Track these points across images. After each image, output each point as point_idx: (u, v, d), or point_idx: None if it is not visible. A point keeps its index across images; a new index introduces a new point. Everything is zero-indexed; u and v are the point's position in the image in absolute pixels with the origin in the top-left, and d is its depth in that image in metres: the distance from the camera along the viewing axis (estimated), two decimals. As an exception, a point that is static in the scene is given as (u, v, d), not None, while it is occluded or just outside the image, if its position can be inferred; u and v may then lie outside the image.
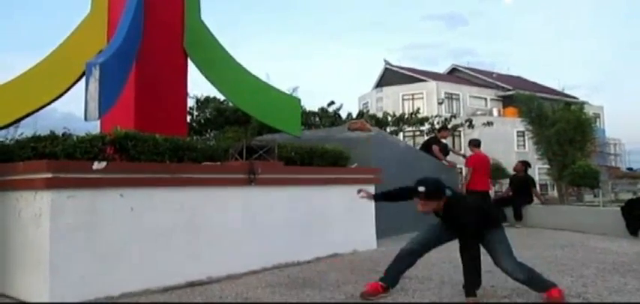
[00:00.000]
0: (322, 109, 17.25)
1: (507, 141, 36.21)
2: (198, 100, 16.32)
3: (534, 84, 43.51)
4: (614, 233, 8.30)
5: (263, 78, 8.20)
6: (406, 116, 19.68)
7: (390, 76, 43.74)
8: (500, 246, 4.14)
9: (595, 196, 12.72)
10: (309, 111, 16.24)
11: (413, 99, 39.16)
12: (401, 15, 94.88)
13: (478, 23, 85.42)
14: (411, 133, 24.00)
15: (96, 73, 4.99)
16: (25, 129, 6.14)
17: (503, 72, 47.60)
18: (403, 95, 40.19)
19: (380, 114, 20.11)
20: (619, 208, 8.77)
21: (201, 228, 5.02)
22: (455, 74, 47.48)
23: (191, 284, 4.72)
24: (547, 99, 20.81)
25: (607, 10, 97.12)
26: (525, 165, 11.05)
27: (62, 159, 4.25)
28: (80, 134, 4.58)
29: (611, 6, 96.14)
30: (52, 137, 4.46)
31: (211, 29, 7.37)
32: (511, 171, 12.11)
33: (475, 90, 43.54)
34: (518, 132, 35.62)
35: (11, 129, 6.97)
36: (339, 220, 6.41)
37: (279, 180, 5.81)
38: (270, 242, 5.57)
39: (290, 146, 6.37)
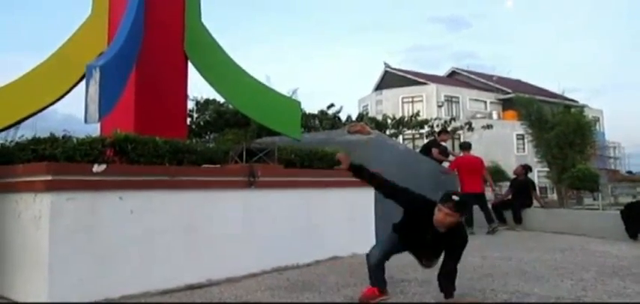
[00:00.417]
0: (322, 112, 17.22)
1: (507, 145, 36.27)
2: (198, 102, 16.30)
3: (534, 87, 43.53)
4: (614, 236, 8.30)
5: (263, 80, 8.22)
6: (406, 119, 19.67)
7: (390, 79, 43.80)
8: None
9: (594, 199, 12.72)
10: (309, 114, 16.22)
11: (412, 102, 39.22)
12: (402, 17, 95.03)
13: (480, 26, 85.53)
14: (411, 136, 23.99)
15: (96, 75, 4.99)
16: (25, 131, 6.14)
17: (504, 75, 47.68)
18: (403, 98, 40.25)
19: (379, 117, 20.08)
20: (619, 211, 8.78)
21: (200, 231, 5.02)
22: (455, 77, 47.53)
23: (190, 287, 4.72)
24: (547, 102, 20.81)
25: (607, 14, 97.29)
26: (526, 168, 11.06)
27: (62, 162, 4.25)
28: (80, 136, 4.57)
29: (611, 10, 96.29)
30: (52, 139, 4.45)
31: (211, 32, 7.38)
32: (510, 174, 12.12)
33: (475, 93, 43.62)
34: (517, 135, 35.61)
35: (11, 130, 6.97)
36: (338, 223, 6.41)
37: (278, 183, 5.81)
38: (270, 245, 5.57)
39: (290, 149, 6.37)
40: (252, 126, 13.23)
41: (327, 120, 16.59)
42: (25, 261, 4.25)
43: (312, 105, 26.11)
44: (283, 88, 12.55)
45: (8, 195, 4.46)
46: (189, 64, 7.14)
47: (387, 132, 17.66)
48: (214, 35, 7.40)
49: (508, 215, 10.47)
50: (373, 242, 6.85)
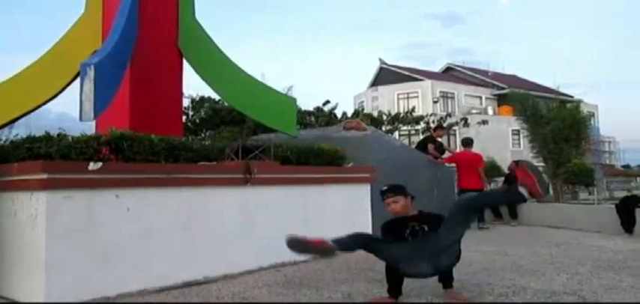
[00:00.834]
0: (318, 108, 17.24)
1: (502, 140, 36.39)
2: (193, 100, 16.28)
3: (529, 82, 43.66)
4: (609, 230, 8.34)
5: (258, 77, 8.21)
6: (401, 115, 19.69)
7: (386, 75, 43.85)
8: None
9: (590, 194, 12.78)
10: (305, 111, 16.23)
11: (408, 98, 39.25)
12: (398, 14, 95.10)
13: (476, 22, 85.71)
14: (407, 132, 24.02)
15: (91, 73, 4.97)
16: (19, 130, 6.13)
17: (499, 70, 47.75)
18: (398, 94, 40.28)
19: (375, 113, 20.09)
20: (614, 206, 8.82)
21: (197, 228, 5.02)
22: (450, 73, 47.61)
23: (188, 284, 4.72)
24: (542, 97, 20.87)
25: (602, 9, 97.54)
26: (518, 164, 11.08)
27: (57, 160, 4.24)
28: (75, 134, 4.56)
29: (606, 5, 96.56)
30: (47, 138, 4.44)
31: (206, 29, 7.37)
32: (506, 169, 12.15)
33: (470, 89, 43.69)
34: (513, 130, 35.78)
35: (5, 129, 6.95)
36: (335, 219, 6.41)
37: (275, 180, 5.81)
38: (267, 242, 5.56)
39: (286, 145, 6.37)
40: (247, 124, 13.22)
41: (323, 117, 16.60)
42: (21, 260, 4.24)
43: (307, 102, 26.12)
44: (279, 85, 12.48)
45: (4, 193, 4.44)
46: (184, 62, 7.12)
47: (383, 128, 17.67)
48: (209, 32, 7.38)
49: (504, 210, 10.50)
50: (370, 238, 6.89)
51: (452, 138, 30.38)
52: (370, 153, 8.69)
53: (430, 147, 10.61)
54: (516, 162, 11.17)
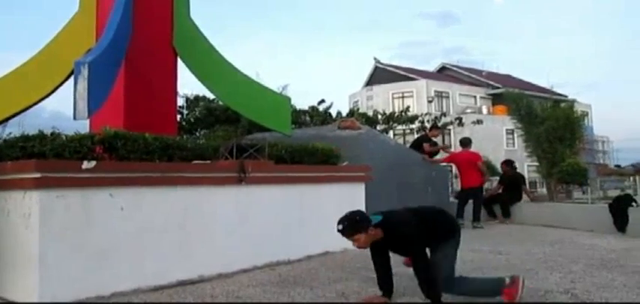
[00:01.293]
0: (313, 108, 17.25)
1: (497, 139, 36.50)
2: (187, 99, 16.26)
3: (523, 82, 43.81)
4: (602, 229, 8.38)
5: (253, 76, 8.21)
6: (396, 114, 19.73)
7: (380, 75, 43.89)
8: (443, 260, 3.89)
9: (583, 193, 12.83)
10: (300, 110, 16.24)
11: (403, 97, 39.31)
12: (392, 13, 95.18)
13: (470, 22, 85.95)
14: (402, 131, 24.06)
15: (85, 71, 4.96)
16: (13, 129, 6.10)
17: (493, 70, 47.88)
18: (393, 93, 40.33)
19: (370, 113, 20.13)
20: (607, 205, 8.86)
21: (191, 227, 5.01)
22: (445, 72, 47.69)
23: (182, 283, 4.71)
24: (536, 97, 20.96)
25: (597, 9, 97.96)
26: (509, 164, 11.20)
27: (51, 159, 4.22)
28: (69, 133, 4.55)
29: (601, 5, 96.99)
30: (41, 136, 4.42)
31: (201, 28, 7.36)
32: (500, 168, 12.20)
33: (465, 89, 43.79)
34: (507, 130, 35.88)
35: (-1, 128, 6.92)
36: (330, 218, 6.36)
37: (269, 179, 5.81)
38: (261, 241, 5.57)
39: (280, 145, 6.37)
40: (242, 123, 13.22)
41: (318, 116, 16.62)
42: (15, 259, 4.22)
43: (302, 101, 26.10)
44: (273, 85, 12.51)
45: (-3, 192, 4.42)
46: (179, 61, 7.10)
47: (378, 127, 17.71)
48: (204, 31, 7.37)
49: (498, 209, 10.54)
50: (364, 237, 6.90)
51: (447, 137, 30.42)
52: (365, 152, 8.70)
53: (426, 146, 10.64)
54: (507, 162, 11.28)
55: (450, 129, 25.93)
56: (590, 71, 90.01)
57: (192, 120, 15.92)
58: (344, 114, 17.85)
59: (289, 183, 6.05)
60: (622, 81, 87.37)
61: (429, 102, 39.01)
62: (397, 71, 43.74)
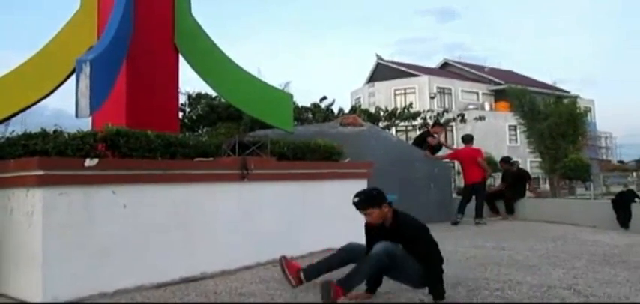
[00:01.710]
0: (315, 104, 17.24)
1: (499, 135, 36.45)
2: (190, 96, 16.25)
3: (526, 78, 43.72)
4: (605, 225, 8.38)
5: (255, 74, 8.20)
6: (398, 111, 19.71)
7: (383, 71, 43.84)
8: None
9: (586, 189, 12.81)
10: (302, 107, 16.22)
11: (405, 93, 39.29)
12: (394, 9, 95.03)
13: (471, 17, 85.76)
14: (404, 128, 24.04)
15: (87, 69, 4.96)
16: (15, 127, 6.10)
17: (495, 66, 47.79)
18: (395, 90, 40.30)
19: (372, 109, 20.11)
20: (610, 201, 8.85)
21: (194, 224, 5.02)
22: (447, 68, 47.62)
23: (185, 280, 4.72)
24: (539, 93, 20.89)
25: (600, 5, 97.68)
26: (507, 162, 11.24)
27: (54, 157, 4.23)
28: (71, 131, 4.55)
29: (604, 1, 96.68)
30: (43, 134, 4.43)
31: (202, 25, 7.35)
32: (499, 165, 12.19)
33: (467, 85, 43.73)
34: (510, 126, 35.81)
35: (1, 127, 6.92)
36: (332, 215, 6.42)
37: (271, 176, 5.81)
38: (264, 238, 5.57)
39: (282, 141, 6.37)
40: (244, 120, 13.21)
41: (320, 113, 16.61)
42: (18, 257, 4.23)
43: (304, 98, 26.10)
44: (275, 82, 12.53)
45: (0, 191, 4.43)
46: (181, 58, 7.10)
47: (380, 124, 17.70)
48: (205, 28, 7.37)
49: (501, 205, 10.54)
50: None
51: (449, 133, 30.40)
52: (367, 148, 8.71)
53: (430, 140, 10.64)
54: (504, 161, 11.32)
55: (452, 126, 25.87)
56: (593, 66, 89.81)
57: (194, 117, 15.92)
58: (346, 110, 17.83)
59: (291, 179, 6.05)
60: (625, 76, 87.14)
61: (432, 98, 38.97)
62: (399, 68, 43.68)
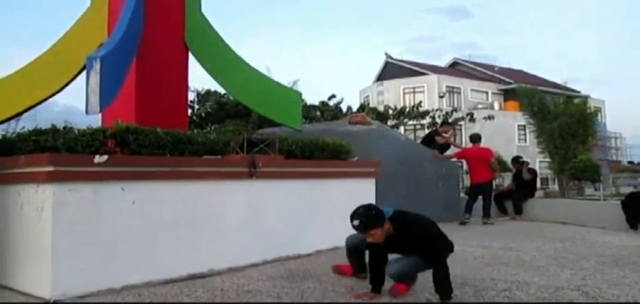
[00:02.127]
0: (323, 103, 17.24)
1: (508, 135, 36.26)
2: (198, 94, 16.32)
3: (536, 77, 43.46)
4: (615, 226, 8.31)
5: (263, 71, 8.22)
6: (407, 109, 19.66)
7: (391, 70, 43.75)
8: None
9: (596, 190, 12.75)
10: (310, 105, 16.23)
11: (414, 92, 39.19)
12: (404, 8, 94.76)
13: (481, 16, 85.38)
14: (412, 127, 23.99)
15: (97, 66, 4.99)
16: (26, 123, 6.15)
17: (505, 65, 47.54)
18: (404, 88, 40.21)
19: (381, 108, 20.08)
20: (619, 202, 8.79)
21: (202, 221, 5.04)
22: (456, 67, 47.44)
23: (192, 277, 4.75)
24: (549, 92, 20.79)
25: (610, 4, 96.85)
26: (517, 161, 11.18)
27: (64, 153, 4.26)
28: (81, 127, 4.59)
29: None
30: (54, 130, 4.46)
31: (212, 23, 7.37)
32: (511, 165, 12.13)
33: (476, 84, 43.56)
34: (519, 125, 35.63)
35: (12, 122, 6.99)
36: (339, 213, 6.37)
37: (279, 174, 5.82)
38: (271, 235, 5.59)
39: (291, 139, 6.38)
40: (252, 117, 13.25)
41: (329, 111, 16.61)
42: (28, 252, 4.28)
43: (313, 96, 26.10)
44: (284, 80, 12.57)
45: (10, 186, 4.48)
46: (190, 55, 7.13)
47: (389, 122, 17.67)
48: (215, 26, 7.39)
49: (509, 205, 10.49)
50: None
51: (458, 133, 30.30)
52: (375, 147, 8.69)
53: (439, 138, 10.61)
54: (516, 159, 11.27)
55: (461, 125, 25.79)
56: (604, 67, 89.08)
57: (203, 114, 15.97)
58: (354, 109, 17.81)
59: (299, 177, 6.06)
60: (636, 77, 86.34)
61: (441, 97, 38.85)
62: (408, 66, 43.56)
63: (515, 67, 48.95)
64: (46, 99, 6.59)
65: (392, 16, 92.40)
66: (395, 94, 38.03)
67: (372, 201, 6.77)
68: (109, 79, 5.18)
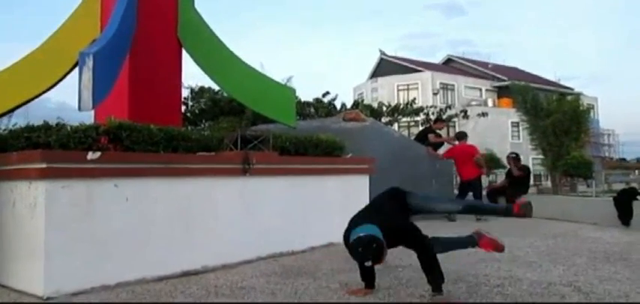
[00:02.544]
0: (317, 99, 17.26)
1: (502, 132, 36.39)
2: (192, 90, 16.30)
3: (530, 74, 43.59)
4: (607, 222, 8.37)
5: (257, 68, 8.20)
6: (401, 106, 19.70)
7: (386, 66, 43.78)
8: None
9: (588, 186, 12.83)
10: (304, 102, 16.25)
11: (408, 89, 39.22)
12: (398, 4, 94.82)
13: (476, 13, 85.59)
14: (406, 124, 24.02)
15: (89, 62, 4.96)
16: (18, 119, 6.13)
17: (499, 63, 47.70)
18: (398, 85, 40.24)
19: (375, 105, 20.11)
20: (612, 198, 8.85)
21: (196, 218, 5.04)
22: (450, 64, 47.54)
23: (186, 274, 4.74)
24: (542, 89, 20.88)
25: (605, 2, 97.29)
26: (513, 160, 11.18)
27: (56, 149, 4.24)
28: (74, 124, 4.56)
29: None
30: (46, 127, 4.44)
31: (206, 19, 7.35)
32: (505, 161, 12.16)
33: (470, 81, 43.65)
34: (512, 122, 35.75)
35: (4, 119, 6.96)
36: (333, 210, 6.43)
37: (273, 170, 5.82)
38: (265, 232, 5.59)
39: (285, 136, 6.37)
40: (247, 114, 13.25)
41: (323, 108, 16.64)
42: (21, 249, 4.26)
43: (307, 93, 26.10)
44: (278, 76, 12.54)
45: (3, 183, 4.45)
46: (184, 52, 7.10)
47: (383, 119, 17.71)
48: (209, 23, 7.36)
49: (501, 201, 10.52)
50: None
51: (452, 130, 30.38)
52: (369, 144, 8.70)
53: (431, 136, 10.64)
54: (511, 158, 11.26)
55: (455, 122, 25.86)
56: (597, 64, 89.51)
57: (196, 111, 15.96)
58: (348, 106, 17.83)
59: (293, 174, 6.06)
60: (629, 74, 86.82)
61: (435, 94, 38.92)
62: (402, 63, 43.61)
63: (510, 64, 49.11)
64: (38, 96, 6.56)
65: (387, 13, 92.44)
66: (389, 91, 38.06)
67: (366, 197, 6.80)
68: (102, 76, 5.15)
